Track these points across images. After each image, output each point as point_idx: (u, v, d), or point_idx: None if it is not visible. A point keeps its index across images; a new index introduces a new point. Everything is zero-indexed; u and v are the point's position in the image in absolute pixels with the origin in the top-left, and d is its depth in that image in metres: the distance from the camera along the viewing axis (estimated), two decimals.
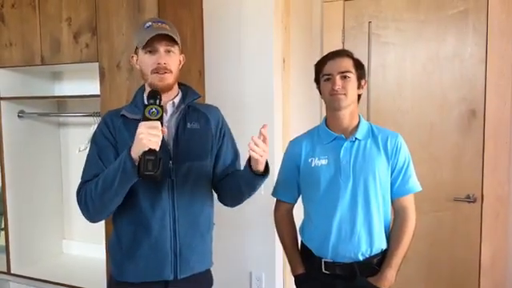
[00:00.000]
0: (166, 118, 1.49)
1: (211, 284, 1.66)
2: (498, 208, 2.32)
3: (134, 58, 1.53)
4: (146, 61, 1.46)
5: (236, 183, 1.54)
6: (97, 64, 2.12)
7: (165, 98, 1.46)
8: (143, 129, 1.27)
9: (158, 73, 1.44)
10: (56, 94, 2.72)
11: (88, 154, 1.51)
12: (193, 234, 1.51)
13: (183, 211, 1.48)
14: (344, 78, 1.58)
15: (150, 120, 1.30)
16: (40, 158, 2.66)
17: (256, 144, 1.35)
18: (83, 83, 2.61)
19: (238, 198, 1.60)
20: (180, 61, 1.54)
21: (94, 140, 1.51)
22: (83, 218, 1.47)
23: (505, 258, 2.31)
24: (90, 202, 1.40)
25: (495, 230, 2.33)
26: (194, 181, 1.51)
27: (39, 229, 2.66)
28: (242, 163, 1.58)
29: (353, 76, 1.59)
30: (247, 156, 1.45)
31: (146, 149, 1.27)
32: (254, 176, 1.44)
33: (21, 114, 2.54)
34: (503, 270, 2.32)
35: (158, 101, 1.36)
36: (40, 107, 2.65)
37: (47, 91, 2.68)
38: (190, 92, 1.59)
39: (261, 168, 1.42)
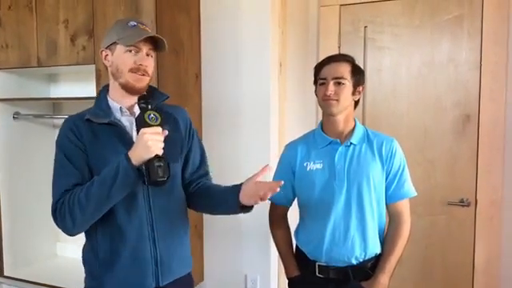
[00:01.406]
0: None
1: (193, 286, 1.64)
2: (492, 212, 2.33)
3: (104, 53, 1.45)
4: (125, 58, 1.39)
5: (214, 203, 1.52)
6: (93, 66, 2.12)
7: (133, 100, 1.43)
8: (149, 135, 1.25)
9: (136, 73, 1.39)
10: (52, 96, 2.71)
11: (56, 163, 1.42)
12: (171, 240, 1.47)
13: (160, 217, 1.44)
14: (338, 83, 1.59)
15: (151, 126, 1.28)
16: (35, 160, 2.65)
17: (267, 195, 1.31)
18: (79, 85, 2.60)
19: (209, 213, 1.61)
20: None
21: (61, 147, 1.41)
22: None
23: (498, 261, 2.33)
24: (77, 212, 1.31)
25: (489, 233, 2.35)
26: (169, 184, 1.43)
27: (33, 231, 2.65)
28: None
29: (347, 82, 1.59)
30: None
31: (153, 155, 1.26)
32: (240, 209, 1.42)
33: (16, 116, 2.53)
34: (496, 274, 2.34)
35: (149, 105, 1.34)
36: (35, 109, 2.64)
37: (43, 93, 2.67)
38: (157, 93, 1.52)
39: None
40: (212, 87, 2.36)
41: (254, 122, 2.28)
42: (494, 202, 2.33)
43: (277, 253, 2.29)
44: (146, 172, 1.27)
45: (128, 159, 1.27)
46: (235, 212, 1.45)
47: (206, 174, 1.64)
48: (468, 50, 2.38)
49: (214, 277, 2.43)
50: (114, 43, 1.42)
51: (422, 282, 2.52)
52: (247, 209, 1.42)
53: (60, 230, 2.79)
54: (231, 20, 2.30)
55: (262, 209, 2.21)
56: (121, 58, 1.41)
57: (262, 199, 1.32)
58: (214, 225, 2.41)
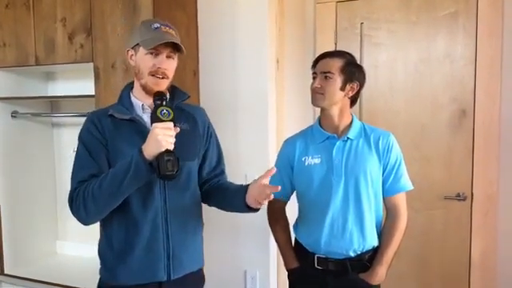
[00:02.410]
0: None
1: (203, 283, 1.67)
2: (488, 206, 2.36)
3: (130, 53, 1.49)
4: (145, 61, 1.43)
5: (224, 201, 1.58)
6: (91, 64, 2.13)
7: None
8: (160, 130, 1.29)
9: (154, 76, 1.43)
10: (49, 94, 2.72)
11: (77, 154, 1.47)
12: (185, 234, 1.51)
13: (175, 211, 1.48)
14: (325, 78, 1.62)
15: (163, 121, 1.31)
16: (33, 158, 2.66)
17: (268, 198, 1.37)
18: (77, 83, 2.61)
19: (221, 209, 1.64)
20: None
21: (82, 140, 1.46)
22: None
23: (494, 254, 2.36)
24: (90, 202, 1.35)
25: (485, 227, 2.37)
26: (185, 181, 1.50)
27: (33, 229, 2.66)
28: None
29: (335, 77, 1.61)
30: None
31: (163, 149, 1.29)
32: (247, 209, 1.47)
33: (14, 115, 2.54)
34: (492, 266, 2.36)
35: (164, 101, 1.38)
36: (33, 107, 2.65)
37: (40, 91, 2.68)
38: (178, 93, 1.57)
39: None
40: (210, 84, 2.37)
41: (251, 118, 2.29)
42: (489, 196, 2.36)
43: (276, 248, 2.31)
44: (156, 166, 1.29)
45: (141, 153, 1.30)
46: (243, 211, 1.49)
47: (222, 172, 1.68)
48: (463, 46, 2.40)
49: (213, 273, 2.42)
50: (137, 44, 1.45)
51: (420, 274, 2.54)
52: (254, 209, 1.46)
53: (59, 228, 2.84)
54: (228, 17, 2.31)
55: None
56: (142, 60, 1.44)
57: (260, 203, 1.39)
58: (213, 221, 2.41)
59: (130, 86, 1.55)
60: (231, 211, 1.59)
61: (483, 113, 2.35)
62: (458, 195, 2.43)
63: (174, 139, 1.31)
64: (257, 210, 1.47)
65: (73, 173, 1.46)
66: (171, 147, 1.30)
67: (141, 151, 1.30)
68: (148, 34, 1.43)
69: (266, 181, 1.39)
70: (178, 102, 1.54)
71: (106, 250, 1.49)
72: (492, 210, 2.35)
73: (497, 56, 2.30)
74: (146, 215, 1.43)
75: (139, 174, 1.31)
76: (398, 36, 2.53)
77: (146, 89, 1.46)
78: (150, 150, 1.29)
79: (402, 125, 2.53)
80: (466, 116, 2.41)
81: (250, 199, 1.42)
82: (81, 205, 1.37)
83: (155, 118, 1.32)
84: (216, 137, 1.68)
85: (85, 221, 1.41)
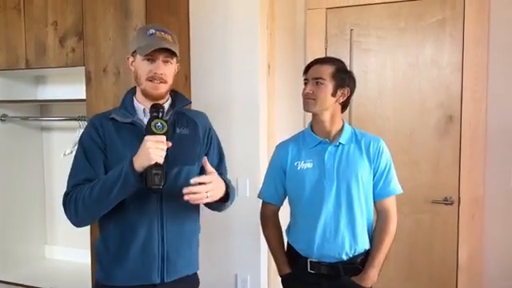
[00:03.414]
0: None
1: (197, 287, 1.68)
2: (474, 210, 2.40)
3: (130, 60, 1.52)
4: (142, 67, 1.46)
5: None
6: (82, 68, 2.12)
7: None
8: (151, 143, 1.30)
9: (152, 81, 1.45)
10: (39, 98, 2.71)
11: (75, 157, 1.49)
12: (180, 240, 1.52)
13: (171, 216, 1.49)
14: (317, 84, 1.64)
15: (156, 134, 1.32)
16: (22, 162, 2.64)
17: (194, 192, 1.37)
18: (67, 87, 2.61)
19: (213, 210, 1.65)
20: (175, 69, 1.55)
21: (82, 143, 1.49)
22: (67, 222, 1.45)
23: (480, 257, 2.40)
24: (80, 207, 1.39)
25: (471, 230, 2.42)
26: (183, 186, 1.47)
27: (21, 234, 2.64)
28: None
29: (327, 83, 1.64)
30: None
31: (153, 163, 1.29)
32: (215, 205, 1.54)
33: (3, 118, 2.52)
34: (479, 269, 2.41)
35: (160, 114, 1.40)
36: (23, 111, 2.63)
37: (30, 95, 2.67)
38: (179, 98, 1.60)
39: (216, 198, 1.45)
40: (201, 88, 2.39)
41: (243, 122, 2.31)
42: (476, 200, 2.40)
43: (267, 252, 2.33)
44: (143, 178, 1.31)
45: (131, 164, 1.32)
46: (217, 207, 1.59)
47: (221, 175, 1.65)
48: (451, 53, 2.45)
49: (203, 276, 2.42)
50: (135, 52, 1.48)
51: (408, 277, 2.57)
52: (223, 201, 1.53)
53: (48, 233, 2.82)
54: (220, 22, 2.33)
55: (252, 208, 2.25)
56: (139, 67, 1.47)
57: (193, 200, 1.38)
58: (204, 224, 2.42)
59: (134, 90, 1.56)
60: (213, 208, 1.63)
61: (470, 118, 2.40)
62: (446, 199, 2.48)
63: (165, 153, 1.33)
64: (227, 199, 1.53)
65: (69, 176, 1.48)
66: (161, 161, 1.31)
67: (131, 162, 1.32)
68: (144, 40, 1.45)
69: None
70: (180, 108, 1.57)
71: (102, 251, 1.51)
72: (478, 214, 2.40)
73: (483, 63, 2.35)
74: (141, 219, 1.45)
75: (128, 184, 1.33)
76: (387, 42, 2.57)
77: (145, 94, 1.49)
78: (140, 161, 1.31)
79: (391, 130, 2.56)
80: (452, 121, 2.45)
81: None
82: (72, 208, 1.41)
83: (148, 131, 1.34)
84: (218, 142, 1.70)
85: (75, 223, 1.45)
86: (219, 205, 1.56)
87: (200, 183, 1.38)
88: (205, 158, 1.47)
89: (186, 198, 1.36)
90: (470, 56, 2.38)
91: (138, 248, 1.45)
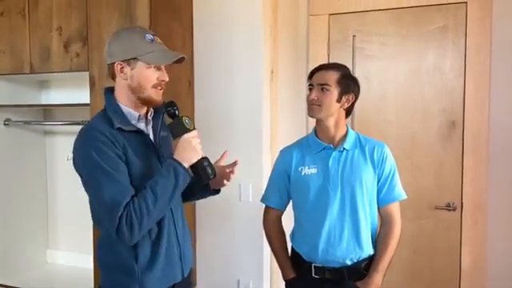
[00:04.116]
0: (149, 127, 1.51)
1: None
2: (477, 216, 2.40)
3: (119, 66, 1.40)
4: (149, 75, 1.40)
5: (190, 192, 1.57)
6: (86, 73, 2.13)
7: (145, 109, 1.48)
8: (195, 140, 1.37)
9: (157, 88, 1.42)
10: (43, 103, 2.71)
11: (104, 175, 1.32)
12: (185, 235, 1.57)
13: (176, 213, 1.52)
14: (322, 90, 1.65)
15: (190, 130, 1.38)
16: (25, 167, 2.64)
17: (232, 172, 1.55)
18: (70, 92, 2.61)
19: (186, 201, 1.68)
20: None
21: (104, 159, 1.32)
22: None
23: (483, 263, 2.40)
24: (146, 221, 1.31)
25: (474, 237, 2.42)
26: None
27: (23, 238, 2.63)
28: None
29: (332, 89, 1.64)
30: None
31: (200, 157, 1.37)
32: (210, 192, 1.63)
33: (7, 122, 2.53)
34: (482, 276, 2.40)
35: (176, 111, 1.42)
36: (26, 115, 2.63)
37: (34, 99, 2.67)
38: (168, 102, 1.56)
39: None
40: (205, 93, 2.39)
41: (246, 127, 2.32)
42: (479, 206, 2.40)
43: (269, 257, 2.33)
44: (198, 172, 1.38)
45: (181, 164, 1.35)
46: (208, 195, 1.66)
47: None
48: (453, 59, 2.46)
49: (206, 281, 2.44)
50: (134, 59, 1.39)
51: (410, 283, 2.57)
52: (216, 191, 1.64)
53: (50, 237, 2.81)
54: (224, 28, 2.34)
55: (254, 213, 2.25)
56: (143, 75, 1.40)
57: (228, 179, 1.55)
58: (206, 229, 2.43)
59: (111, 94, 1.47)
60: (195, 199, 1.73)
61: (472, 124, 2.41)
62: (448, 205, 2.48)
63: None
64: (218, 191, 1.63)
65: (108, 196, 1.31)
66: (203, 154, 1.39)
67: (179, 162, 1.35)
68: (146, 47, 1.39)
69: (223, 162, 1.56)
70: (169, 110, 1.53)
71: (129, 264, 1.41)
72: (481, 220, 2.39)
73: (485, 69, 2.36)
74: (163, 224, 1.45)
75: (185, 184, 1.37)
76: (389, 49, 2.58)
77: (146, 101, 1.44)
78: (190, 159, 1.36)
79: (393, 135, 2.57)
80: (455, 127, 2.46)
81: (214, 183, 1.56)
82: (135, 225, 1.30)
83: (183, 128, 1.37)
84: None
85: (136, 239, 1.35)
86: (210, 193, 1.65)
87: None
88: (226, 151, 1.58)
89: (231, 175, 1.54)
90: (473, 62, 2.40)
91: (164, 253, 1.45)
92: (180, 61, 1.47)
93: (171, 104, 1.42)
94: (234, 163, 1.56)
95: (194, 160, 1.36)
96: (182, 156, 1.36)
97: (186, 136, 1.36)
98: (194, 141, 1.37)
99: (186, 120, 1.38)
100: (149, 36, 1.42)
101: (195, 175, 1.38)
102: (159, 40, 1.46)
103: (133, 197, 1.33)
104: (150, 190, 1.33)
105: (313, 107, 1.66)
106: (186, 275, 1.54)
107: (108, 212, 1.31)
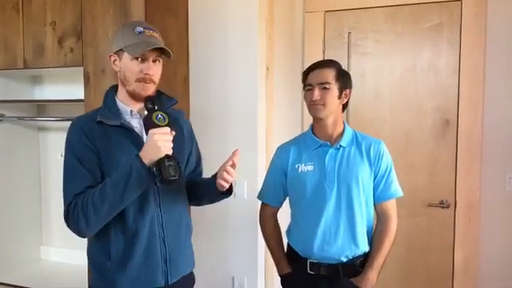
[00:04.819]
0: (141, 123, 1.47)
1: (194, 283, 1.67)
2: (470, 213, 2.42)
3: (112, 58, 1.44)
4: (132, 67, 1.40)
5: (199, 193, 1.60)
6: (80, 68, 2.11)
7: (142, 104, 1.44)
8: (158, 136, 1.29)
9: (142, 82, 1.40)
10: (36, 98, 2.69)
11: (68, 165, 1.40)
12: (179, 238, 1.52)
13: (168, 216, 1.48)
14: (323, 89, 1.64)
15: (159, 126, 1.31)
16: (19, 162, 2.62)
17: (229, 173, 1.43)
18: (64, 87, 2.59)
19: (197, 204, 1.68)
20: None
21: (72, 149, 1.39)
22: (63, 224, 1.38)
23: (476, 261, 2.42)
24: (92, 214, 1.31)
25: (467, 234, 2.43)
26: (177, 185, 1.48)
27: (16, 234, 2.61)
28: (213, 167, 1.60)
29: (332, 87, 1.65)
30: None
31: (163, 155, 1.29)
32: (219, 195, 1.53)
33: (0, 118, 2.50)
34: (475, 273, 2.42)
35: (156, 106, 1.37)
36: (19, 111, 2.61)
37: (27, 95, 2.65)
38: (164, 98, 1.55)
39: (225, 188, 1.48)
40: (200, 90, 2.39)
41: (241, 123, 2.32)
42: (472, 204, 2.42)
43: (264, 254, 2.33)
44: (158, 172, 1.29)
45: (140, 160, 1.29)
46: (217, 199, 1.59)
47: (200, 174, 1.71)
48: (447, 57, 2.47)
49: (200, 279, 2.41)
50: (121, 50, 1.41)
51: (404, 281, 2.59)
52: (226, 194, 1.53)
53: (43, 234, 2.79)
54: (219, 24, 2.34)
55: (249, 211, 2.25)
56: (128, 67, 1.41)
57: (225, 179, 1.43)
58: (201, 226, 2.42)
59: (114, 90, 1.51)
60: (206, 203, 1.65)
61: (466, 122, 2.42)
62: (442, 202, 2.49)
63: (172, 144, 1.32)
64: (229, 193, 1.53)
65: (65, 185, 1.39)
66: (170, 152, 1.31)
67: (139, 158, 1.29)
68: (132, 38, 1.39)
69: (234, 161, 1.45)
70: (167, 108, 1.51)
71: (102, 259, 1.44)
72: (474, 217, 2.41)
73: (480, 67, 2.38)
74: (143, 222, 1.42)
75: (141, 181, 1.30)
76: (385, 46, 2.59)
77: (133, 95, 1.44)
78: (150, 156, 1.29)
79: (388, 133, 2.58)
80: (449, 125, 2.47)
81: (218, 184, 1.46)
82: (80, 216, 1.32)
83: (151, 124, 1.31)
84: (196, 141, 1.70)
85: (84, 232, 1.36)
86: (224, 197, 1.57)
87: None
88: (237, 150, 1.46)
89: (226, 177, 1.42)
90: (467, 60, 2.41)
91: (141, 253, 1.41)
92: (167, 55, 1.45)
93: (150, 98, 1.39)
94: (233, 154, 1.45)
95: (156, 157, 1.29)
96: (143, 152, 1.30)
97: (150, 131, 1.30)
98: (157, 137, 1.28)
99: (157, 115, 1.32)
100: (139, 28, 1.41)
101: (157, 175, 1.30)
102: (151, 33, 1.43)
103: (89, 187, 1.35)
104: (103, 184, 1.32)
105: (316, 107, 1.65)
106: (173, 281, 1.48)
107: (63, 199, 1.38)
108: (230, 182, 1.45)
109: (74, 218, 1.34)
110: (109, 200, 1.31)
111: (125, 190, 1.30)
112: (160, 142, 1.28)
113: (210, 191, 1.54)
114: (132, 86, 1.41)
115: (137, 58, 1.39)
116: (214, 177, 1.50)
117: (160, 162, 1.29)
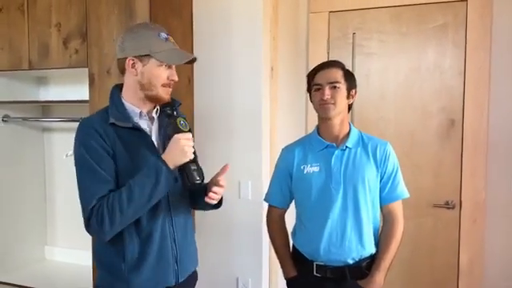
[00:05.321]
0: (154, 125, 1.50)
1: (196, 281, 1.68)
2: (476, 214, 2.41)
3: (131, 62, 1.41)
4: (159, 73, 1.41)
5: (193, 200, 1.61)
6: (84, 69, 2.11)
7: (152, 105, 1.48)
8: (185, 141, 1.34)
9: (166, 87, 1.44)
10: (41, 99, 2.70)
11: (85, 169, 1.37)
12: (186, 237, 1.54)
13: (177, 216, 1.50)
14: (333, 88, 1.64)
15: (183, 131, 1.36)
16: (24, 163, 2.63)
17: (216, 193, 1.46)
18: (68, 88, 2.60)
19: (193, 208, 1.68)
20: None
21: (90, 151, 1.37)
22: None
23: (482, 262, 2.41)
24: (118, 216, 1.31)
25: (473, 235, 2.42)
26: (181, 186, 1.47)
27: (21, 234, 2.62)
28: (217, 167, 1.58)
29: (342, 86, 1.65)
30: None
31: (188, 160, 1.34)
32: (209, 206, 1.56)
33: (5, 119, 2.51)
34: (480, 274, 2.41)
35: (175, 112, 1.41)
36: (24, 112, 2.62)
37: (32, 96, 2.66)
38: (172, 100, 1.53)
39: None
40: (204, 90, 2.39)
41: (245, 125, 2.31)
42: (477, 205, 2.41)
43: (268, 255, 2.33)
44: (183, 175, 1.35)
45: (165, 164, 1.31)
46: (206, 209, 1.61)
47: None
48: (453, 57, 2.46)
49: (204, 279, 2.42)
50: (147, 55, 1.41)
51: (409, 282, 2.58)
52: (216, 205, 1.56)
53: (48, 234, 2.80)
54: (223, 24, 2.33)
55: (254, 211, 2.25)
56: (154, 73, 1.42)
57: (211, 198, 1.46)
58: (205, 227, 2.42)
59: (118, 90, 1.50)
60: (199, 209, 1.67)
61: (471, 122, 2.41)
62: (447, 203, 2.48)
63: (193, 149, 1.36)
64: (217, 206, 1.56)
65: (85, 188, 1.37)
66: (193, 157, 1.36)
67: (163, 162, 1.32)
68: (161, 45, 1.41)
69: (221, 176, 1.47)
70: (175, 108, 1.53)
71: (115, 261, 1.44)
72: (480, 218, 2.40)
73: (485, 67, 2.36)
74: (156, 224, 1.44)
75: (168, 184, 1.33)
76: (389, 46, 2.58)
77: (154, 98, 1.45)
78: (176, 160, 1.33)
79: (393, 133, 2.57)
80: (454, 125, 2.46)
81: (206, 200, 1.48)
82: (106, 218, 1.32)
83: (176, 129, 1.36)
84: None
85: (107, 234, 1.35)
86: (213, 208, 1.60)
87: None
88: (227, 165, 1.48)
89: (215, 196, 1.45)
90: (472, 60, 2.39)
91: (154, 254, 1.43)
92: (191, 62, 1.49)
93: (169, 104, 1.43)
94: (222, 170, 1.47)
95: (181, 162, 1.34)
96: (169, 156, 1.33)
97: (175, 136, 1.34)
98: (184, 142, 1.33)
99: (180, 121, 1.37)
100: (163, 35, 1.44)
101: (182, 179, 1.35)
102: (172, 40, 1.47)
103: (111, 191, 1.35)
104: (129, 187, 1.33)
105: (327, 106, 1.64)
106: (181, 280, 1.50)
107: (83, 202, 1.37)
108: (216, 200, 1.49)
109: (98, 221, 1.33)
110: (135, 202, 1.32)
111: (153, 193, 1.32)
112: (186, 147, 1.34)
113: (200, 202, 1.54)
114: (156, 90, 1.43)
115: (166, 65, 1.42)
116: (206, 185, 1.51)
117: (185, 167, 1.34)
